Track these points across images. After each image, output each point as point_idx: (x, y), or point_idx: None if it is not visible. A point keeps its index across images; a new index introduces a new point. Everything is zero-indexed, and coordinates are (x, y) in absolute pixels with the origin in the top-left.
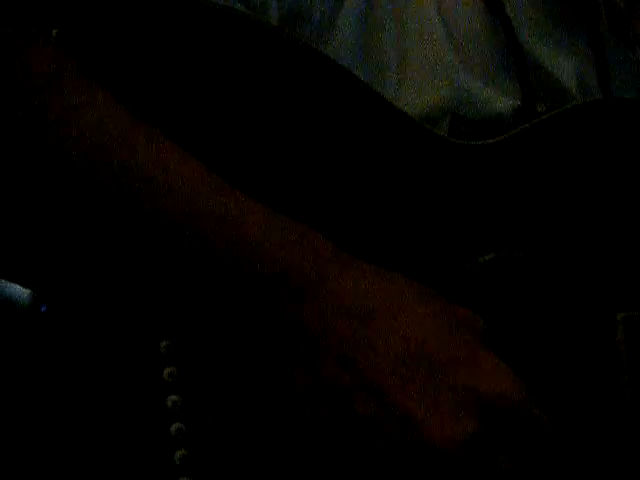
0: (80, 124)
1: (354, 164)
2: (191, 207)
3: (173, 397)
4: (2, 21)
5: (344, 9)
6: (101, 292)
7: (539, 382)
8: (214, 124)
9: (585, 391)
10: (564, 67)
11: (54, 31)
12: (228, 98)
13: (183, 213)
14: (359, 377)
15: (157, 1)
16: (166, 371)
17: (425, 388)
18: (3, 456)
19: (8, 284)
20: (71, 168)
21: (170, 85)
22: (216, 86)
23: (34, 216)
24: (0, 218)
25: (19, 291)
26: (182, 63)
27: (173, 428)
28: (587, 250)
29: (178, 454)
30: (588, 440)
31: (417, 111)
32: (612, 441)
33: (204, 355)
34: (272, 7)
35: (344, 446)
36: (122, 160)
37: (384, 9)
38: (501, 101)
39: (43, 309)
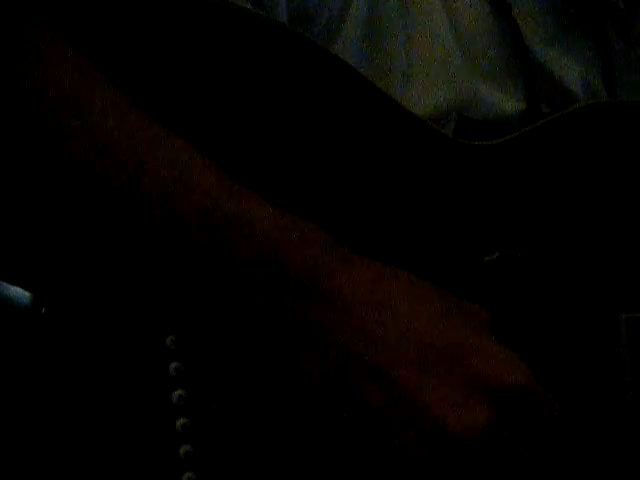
0: (86, 119)
1: (360, 162)
2: (201, 205)
3: (179, 392)
4: (3, 12)
5: (352, 9)
6: (106, 288)
7: (542, 382)
8: (223, 121)
9: (587, 392)
10: (570, 70)
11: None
12: (236, 96)
13: (193, 210)
14: (371, 371)
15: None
16: (172, 366)
17: (438, 379)
18: (4, 454)
19: (9, 286)
20: (77, 164)
21: (179, 83)
22: (225, 84)
23: (37, 215)
24: (1, 220)
25: (20, 293)
26: (191, 61)
27: (178, 423)
28: (591, 251)
29: (183, 449)
30: (590, 440)
31: (423, 112)
32: (614, 442)
33: (210, 350)
34: (281, 6)
35: (356, 440)
36: (131, 155)
37: (391, 10)
38: (507, 103)
39: (43, 311)
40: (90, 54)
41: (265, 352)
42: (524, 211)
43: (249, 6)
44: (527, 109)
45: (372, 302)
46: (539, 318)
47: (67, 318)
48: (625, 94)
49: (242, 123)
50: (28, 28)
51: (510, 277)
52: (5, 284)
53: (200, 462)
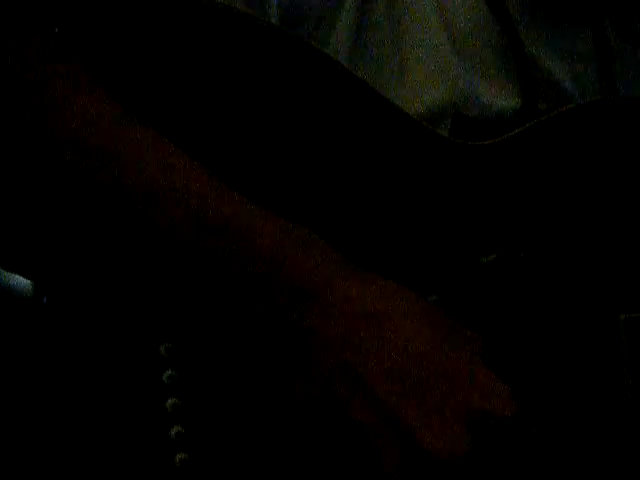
0: (75, 122)
1: (355, 164)
2: (196, 214)
3: (173, 400)
4: (2, 18)
5: (343, 9)
6: (101, 293)
7: (540, 384)
8: (214, 123)
9: (587, 393)
10: (563, 66)
11: (55, 29)
12: (228, 97)
13: (188, 219)
14: (358, 384)
15: (157, 0)
16: (166, 374)
17: (424, 400)
18: (2, 456)
19: (11, 275)
20: (71, 168)
21: (169, 84)
22: (216, 85)
23: (35, 210)
24: (3, 210)
25: (21, 282)
26: (182, 62)
27: (173, 431)
28: (589, 251)
29: (178, 457)
30: (590, 442)
31: (417, 111)
32: (614, 443)
33: (204, 358)
34: (272, 6)
35: (339, 450)
36: (122, 162)
37: (382, 8)
38: (503, 100)
39: (45, 300)
40: (83, 56)
41: (258, 359)
42: (522, 211)
43: (239, 6)
44: (523, 105)
45: (369, 317)
46: (537, 319)
47: (68, 308)
48: (625, 93)
49: (234, 124)
50: (22, 37)
51: (507, 278)
52: (7, 273)
53: (195, 469)
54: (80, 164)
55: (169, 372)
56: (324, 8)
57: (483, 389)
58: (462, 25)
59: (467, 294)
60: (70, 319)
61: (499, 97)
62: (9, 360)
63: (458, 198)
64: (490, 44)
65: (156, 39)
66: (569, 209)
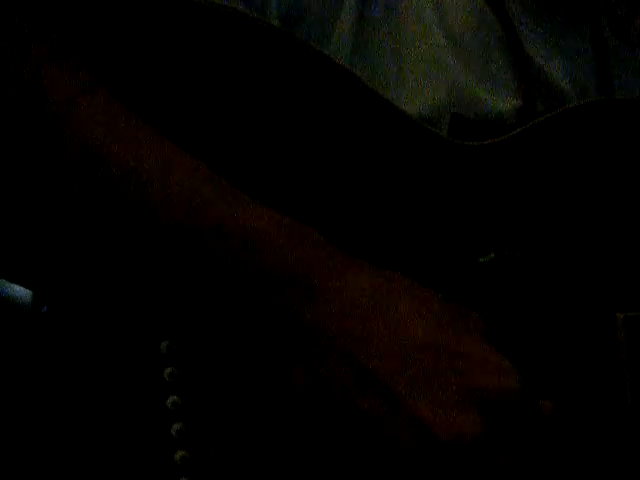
0: (79, 122)
1: (353, 164)
2: (195, 211)
3: (173, 397)
4: (2, 17)
5: (343, 9)
6: (102, 292)
7: (539, 383)
8: (214, 124)
9: (585, 392)
10: (560, 67)
11: (54, 35)
12: (228, 98)
13: (187, 217)
14: (363, 374)
15: (157, 1)
16: (166, 371)
17: (431, 385)
18: (3, 457)
19: (10, 284)
20: (70, 167)
21: (170, 85)
22: (216, 86)
23: (35, 215)
24: (2, 218)
25: (21, 292)
26: (182, 63)
27: (173, 429)
28: (587, 250)
29: (178, 454)
30: (588, 441)
31: (416, 111)
32: (612, 442)
33: (204, 355)
34: (272, 7)
35: (347, 443)
36: (124, 161)
37: (382, 8)
38: (501, 100)
39: (44, 309)
40: (83, 57)
41: (261, 355)
42: (520, 211)
43: (239, 7)
44: (522, 106)
45: (369, 306)
46: (536, 318)
47: (68, 318)
48: (622, 94)
49: (235, 125)
50: (22, 38)
51: (506, 278)
52: (6, 282)
53: (195, 467)
54: (80, 164)
55: (170, 369)
56: (324, 8)
57: (488, 368)
58: (461, 25)
59: (465, 294)
60: (70, 329)
61: (498, 97)
62: (9, 369)
63: (457, 198)
64: (489, 44)
65: (156, 40)
66: (567, 209)
